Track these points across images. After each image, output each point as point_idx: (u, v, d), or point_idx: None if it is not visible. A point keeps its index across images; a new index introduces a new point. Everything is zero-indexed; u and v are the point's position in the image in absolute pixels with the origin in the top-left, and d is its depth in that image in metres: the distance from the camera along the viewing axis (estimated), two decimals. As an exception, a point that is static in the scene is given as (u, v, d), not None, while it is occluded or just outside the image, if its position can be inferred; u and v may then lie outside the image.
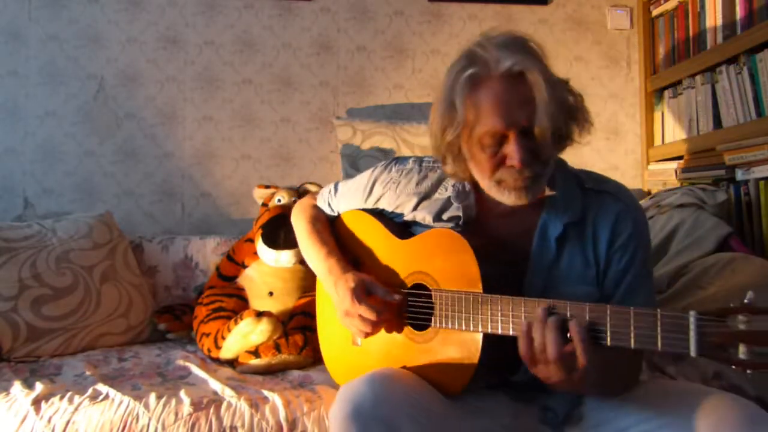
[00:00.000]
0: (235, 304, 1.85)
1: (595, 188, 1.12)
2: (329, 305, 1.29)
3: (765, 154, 1.77)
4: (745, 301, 0.77)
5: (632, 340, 0.84)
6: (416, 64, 2.46)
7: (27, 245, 1.79)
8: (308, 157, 2.40)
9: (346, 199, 1.35)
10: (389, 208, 1.26)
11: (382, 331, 1.17)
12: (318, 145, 2.41)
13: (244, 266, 1.96)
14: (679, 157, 2.24)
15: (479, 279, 1.03)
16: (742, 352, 0.76)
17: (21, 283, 1.72)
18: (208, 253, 2.10)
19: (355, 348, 1.25)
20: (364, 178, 1.31)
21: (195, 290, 2.06)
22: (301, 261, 1.90)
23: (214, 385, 1.45)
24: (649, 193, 2.33)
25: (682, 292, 1.58)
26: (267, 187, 2.07)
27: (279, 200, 2.01)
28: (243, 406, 1.35)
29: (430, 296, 1.11)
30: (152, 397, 1.35)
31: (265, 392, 1.40)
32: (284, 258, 1.87)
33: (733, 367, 0.78)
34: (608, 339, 0.86)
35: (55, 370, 1.58)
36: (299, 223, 1.40)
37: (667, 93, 2.37)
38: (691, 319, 0.78)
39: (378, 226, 1.26)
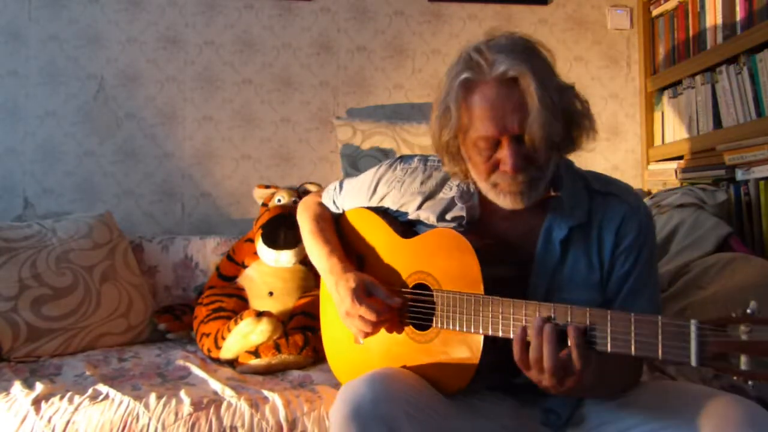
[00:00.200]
0: (235, 304, 1.84)
1: (602, 190, 1.12)
2: (332, 303, 1.28)
3: (765, 154, 1.77)
4: (748, 310, 0.76)
5: (633, 348, 0.83)
6: (416, 64, 2.46)
7: (27, 245, 1.79)
8: (308, 157, 2.40)
9: (351, 197, 1.35)
10: (393, 207, 1.26)
11: (384, 330, 1.17)
12: (318, 145, 2.41)
13: (244, 266, 1.96)
14: (679, 157, 2.24)
15: (480, 280, 1.03)
16: (743, 362, 0.75)
17: (21, 283, 1.72)
18: (208, 253, 2.10)
19: (357, 346, 1.25)
20: (368, 177, 1.30)
21: (195, 290, 2.06)
22: (301, 261, 1.90)
23: (214, 385, 1.45)
24: (649, 193, 2.33)
25: (682, 292, 1.58)
26: (267, 187, 2.07)
27: (279, 200, 2.01)
28: (243, 406, 1.35)
29: (431, 296, 1.11)
30: (152, 397, 1.35)
31: (265, 392, 1.40)
32: (284, 258, 1.87)
33: (735, 377, 0.77)
34: (608, 345, 0.86)
35: (55, 370, 1.58)
36: (304, 220, 1.40)
37: (667, 93, 2.37)
38: (692, 328, 0.77)
39: (382, 225, 1.25)
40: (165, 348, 1.81)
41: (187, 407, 1.33)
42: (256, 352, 1.62)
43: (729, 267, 1.57)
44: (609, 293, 1.09)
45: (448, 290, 1.08)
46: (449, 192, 1.18)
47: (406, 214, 1.24)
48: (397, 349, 1.16)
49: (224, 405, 1.35)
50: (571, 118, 1.04)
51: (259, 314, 1.64)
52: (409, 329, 1.15)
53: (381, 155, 2.21)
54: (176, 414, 1.32)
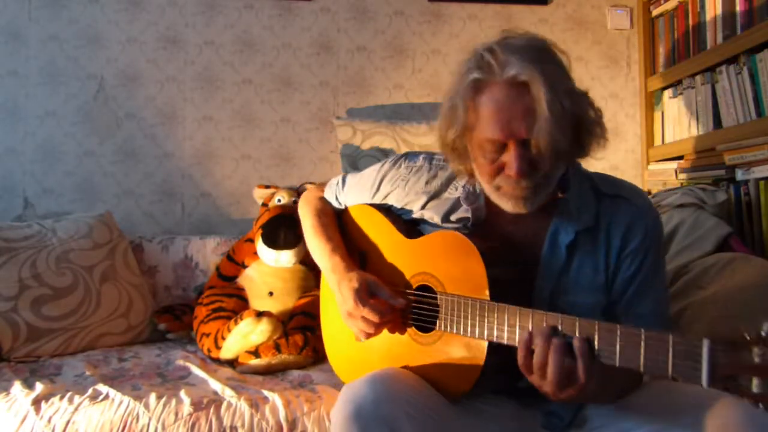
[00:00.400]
0: (235, 304, 1.84)
1: (610, 193, 1.10)
2: (333, 300, 1.27)
3: (765, 154, 1.77)
4: (762, 332, 0.74)
5: (642, 364, 0.81)
6: (416, 64, 2.46)
7: (27, 245, 1.79)
8: (308, 157, 2.40)
9: (353, 193, 1.34)
10: (398, 205, 1.25)
11: (386, 330, 1.16)
12: (318, 145, 2.41)
13: (244, 266, 1.96)
14: (679, 157, 2.24)
15: (486, 286, 1.01)
16: (755, 384, 0.74)
17: (21, 283, 1.72)
18: (208, 253, 2.10)
19: (357, 344, 1.24)
20: (372, 174, 1.28)
21: (195, 290, 2.06)
22: (301, 261, 1.91)
23: (214, 385, 1.45)
24: (649, 193, 2.33)
25: (682, 292, 1.58)
26: (267, 187, 2.07)
27: (279, 200, 2.01)
28: (243, 406, 1.35)
29: (435, 298, 1.10)
30: (152, 397, 1.35)
31: (265, 392, 1.40)
32: (284, 258, 1.87)
33: (746, 400, 0.76)
34: (616, 360, 0.84)
35: (55, 370, 1.58)
36: (305, 215, 1.38)
37: (667, 93, 2.37)
38: (704, 348, 0.75)
39: (385, 223, 1.24)
40: (165, 348, 1.81)
41: (187, 407, 1.33)
42: (256, 352, 1.62)
43: (729, 267, 1.57)
44: (614, 295, 1.08)
45: (453, 293, 1.06)
46: (455, 192, 1.16)
47: (410, 212, 1.23)
48: (398, 350, 1.16)
49: (224, 405, 1.35)
50: (582, 124, 1.02)
51: (259, 314, 1.64)
52: (411, 330, 1.15)
53: (381, 155, 2.21)
54: (176, 414, 1.32)
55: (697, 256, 1.70)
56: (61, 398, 1.34)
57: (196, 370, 1.56)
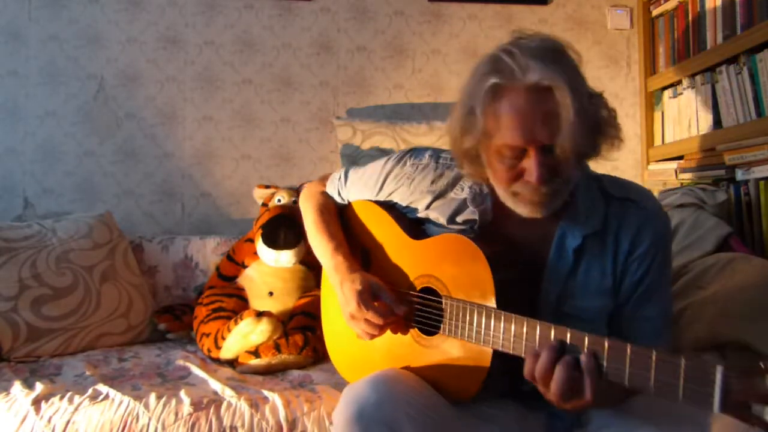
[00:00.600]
0: (235, 304, 1.84)
1: (619, 195, 1.08)
2: (334, 297, 1.26)
3: (765, 154, 1.77)
4: None
5: (652, 386, 0.80)
6: (416, 64, 2.46)
7: (27, 245, 1.79)
8: (308, 157, 2.40)
9: (357, 189, 1.31)
10: (402, 203, 1.23)
11: (388, 330, 1.15)
12: (318, 145, 2.41)
13: (244, 266, 1.96)
14: (679, 157, 2.24)
15: (493, 293, 1.00)
16: None
17: (21, 283, 1.72)
18: (208, 253, 2.10)
19: (360, 342, 1.22)
20: (376, 170, 1.26)
21: (195, 290, 2.06)
22: (302, 261, 1.91)
23: (214, 385, 1.45)
24: (649, 193, 2.33)
25: (682, 292, 1.58)
26: (267, 187, 2.07)
27: (279, 200, 2.00)
28: (243, 406, 1.35)
29: (439, 301, 1.09)
30: (152, 397, 1.35)
31: (265, 392, 1.40)
32: (284, 258, 1.87)
33: (757, 428, 0.74)
34: (625, 379, 0.82)
35: (55, 370, 1.58)
36: (307, 210, 1.36)
37: (667, 93, 2.37)
38: (718, 374, 0.74)
39: (390, 222, 1.22)
40: (165, 348, 1.81)
41: (187, 407, 1.33)
42: (256, 352, 1.62)
43: (729, 267, 1.57)
44: (621, 298, 1.07)
45: (458, 298, 1.05)
46: (461, 193, 1.14)
47: (414, 210, 1.21)
48: (401, 350, 1.15)
49: (224, 405, 1.35)
50: (596, 125, 1.00)
51: (259, 314, 1.64)
52: (414, 331, 1.14)
53: (381, 155, 2.20)
54: (176, 414, 1.32)
55: (697, 256, 1.70)
56: (61, 398, 1.34)
57: (196, 370, 1.56)
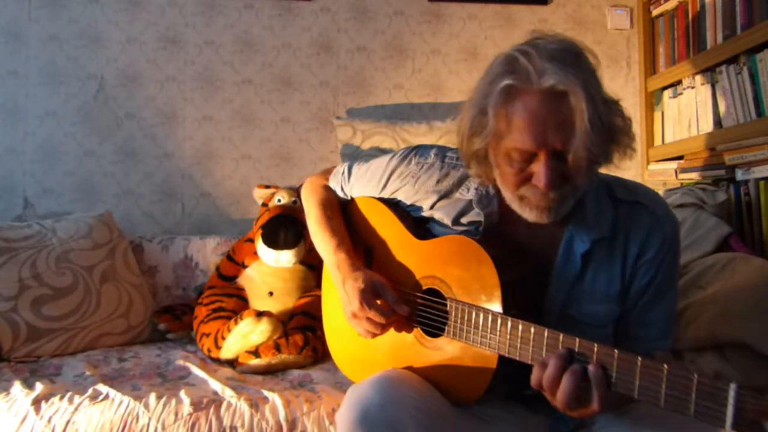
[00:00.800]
0: (235, 304, 1.84)
1: (628, 199, 1.07)
2: (336, 293, 1.25)
3: (765, 154, 1.77)
4: None
5: (662, 400, 0.79)
6: (416, 64, 2.46)
7: (27, 245, 1.79)
8: (308, 157, 2.40)
9: (360, 185, 1.29)
10: (406, 201, 1.21)
11: (392, 329, 1.15)
12: (318, 145, 2.41)
13: (244, 266, 1.96)
14: (679, 157, 2.24)
15: (500, 298, 0.98)
16: None
17: (21, 283, 1.72)
18: (208, 253, 2.10)
19: (361, 341, 1.21)
20: (380, 167, 1.23)
21: (195, 290, 2.06)
22: (302, 261, 1.91)
23: (214, 385, 1.45)
24: (649, 193, 2.33)
25: (682, 292, 1.58)
26: (267, 187, 2.07)
27: (279, 200, 2.00)
28: (243, 406, 1.35)
29: (443, 303, 1.08)
30: (152, 397, 1.35)
31: (265, 392, 1.40)
32: (284, 258, 1.87)
33: None
34: (635, 392, 0.81)
35: (55, 370, 1.58)
36: (310, 205, 1.34)
37: (667, 93, 2.37)
38: (731, 391, 0.74)
39: (393, 220, 1.21)
40: (165, 348, 1.81)
41: (187, 407, 1.33)
42: (256, 352, 1.62)
43: (729, 267, 1.57)
44: (628, 303, 1.06)
45: (464, 301, 1.04)
46: (466, 193, 1.12)
47: (418, 209, 1.20)
48: (404, 351, 1.14)
49: (224, 405, 1.35)
50: (610, 133, 0.98)
51: (259, 314, 1.64)
52: (417, 332, 1.13)
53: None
54: (176, 414, 1.32)
55: (697, 256, 1.70)
56: (61, 398, 1.34)
57: (196, 370, 1.56)
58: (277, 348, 1.62)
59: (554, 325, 0.91)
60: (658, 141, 2.43)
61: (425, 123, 2.29)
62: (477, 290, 1.02)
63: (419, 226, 1.20)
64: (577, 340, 0.87)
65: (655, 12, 2.44)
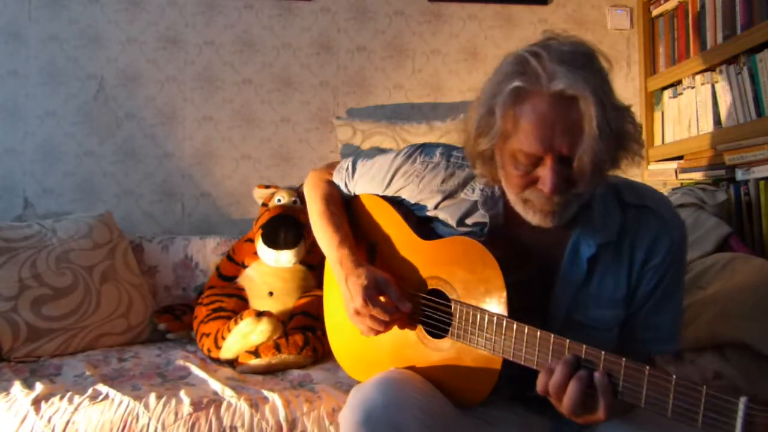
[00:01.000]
0: (235, 304, 1.84)
1: (635, 203, 1.06)
2: (338, 290, 1.23)
3: (765, 154, 1.77)
4: None
5: (669, 411, 0.78)
6: (416, 64, 2.46)
7: (27, 245, 1.79)
8: (308, 157, 2.40)
9: (364, 183, 1.28)
10: (410, 200, 1.20)
11: (394, 328, 1.14)
12: (318, 145, 2.41)
13: (244, 266, 1.96)
14: (679, 157, 2.24)
15: (505, 301, 0.98)
16: None
17: (21, 283, 1.72)
18: (208, 253, 2.10)
19: (364, 339, 1.20)
20: (384, 165, 1.22)
21: (195, 290, 2.06)
22: (302, 261, 1.91)
23: (214, 385, 1.45)
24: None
25: (682, 292, 1.58)
26: (267, 187, 2.07)
27: (279, 200, 2.00)
28: (243, 406, 1.35)
29: (447, 304, 1.07)
30: (152, 397, 1.35)
31: (265, 392, 1.40)
32: (284, 258, 1.87)
33: None
34: (642, 401, 0.81)
35: (55, 370, 1.58)
36: (313, 200, 1.33)
37: (667, 93, 2.37)
38: (741, 406, 0.73)
39: (397, 219, 1.20)
40: (165, 348, 1.81)
41: (187, 407, 1.33)
42: (256, 352, 1.62)
43: (729, 267, 1.57)
44: (633, 307, 1.06)
45: (468, 304, 1.03)
46: (471, 194, 1.11)
47: (422, 208, 1.19)
48: (406, 351, 1.13)
49: (224, 405, 1.35)
50: (619, 139, 0.95)
51: (259, 314, 1.64)
52: (420, 333, 1.12)
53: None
54: (176, 414, 1.32)
55: (697, 256, 1.70)
56: (61, 398, 1.34)
57: (196, 370, 1.56)
58: (277, 348, 1.62)
59: (559, 329, 0.91)
60: (658, 141, 2.43)
61: (425, 123, 2.29)
62: (482, 292, 1.01)
63: (423, 225, 1.19)
64: (584, 346, 0.86)
65: (655, 12, 2.44)
